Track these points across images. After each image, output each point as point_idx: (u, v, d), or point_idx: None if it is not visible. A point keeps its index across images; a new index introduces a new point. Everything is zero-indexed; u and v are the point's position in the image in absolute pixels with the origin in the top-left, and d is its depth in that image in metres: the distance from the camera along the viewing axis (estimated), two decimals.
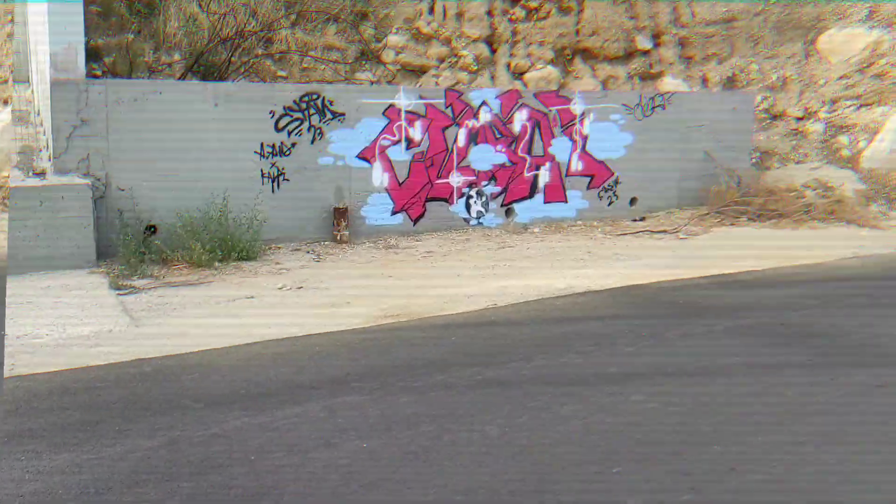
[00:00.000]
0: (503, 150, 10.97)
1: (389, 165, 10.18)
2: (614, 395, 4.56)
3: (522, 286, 7.75)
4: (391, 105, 10.05)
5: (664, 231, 11.20)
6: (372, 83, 12.75)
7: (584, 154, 11.66)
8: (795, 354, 5.33)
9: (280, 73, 12.17)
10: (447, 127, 10.50)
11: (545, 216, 11.51)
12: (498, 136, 10.90)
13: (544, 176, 11.39)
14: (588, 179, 11.80)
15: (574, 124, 11.45)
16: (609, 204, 12.09)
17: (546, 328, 6.17)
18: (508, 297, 7.31)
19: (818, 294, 7.35)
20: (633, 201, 12.32)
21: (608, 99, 11.75)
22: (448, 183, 10.66)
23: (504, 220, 11.19)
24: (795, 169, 13.31)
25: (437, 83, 12.97)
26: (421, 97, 10.27)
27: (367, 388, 4.73)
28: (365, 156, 10.02)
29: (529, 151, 11.19)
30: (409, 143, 10.26)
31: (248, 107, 9.25)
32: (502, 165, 11.02)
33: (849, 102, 13.98)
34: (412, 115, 10.21)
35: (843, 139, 13.67)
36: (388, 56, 13.00)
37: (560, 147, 11.43)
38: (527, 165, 11.22)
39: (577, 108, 11.42)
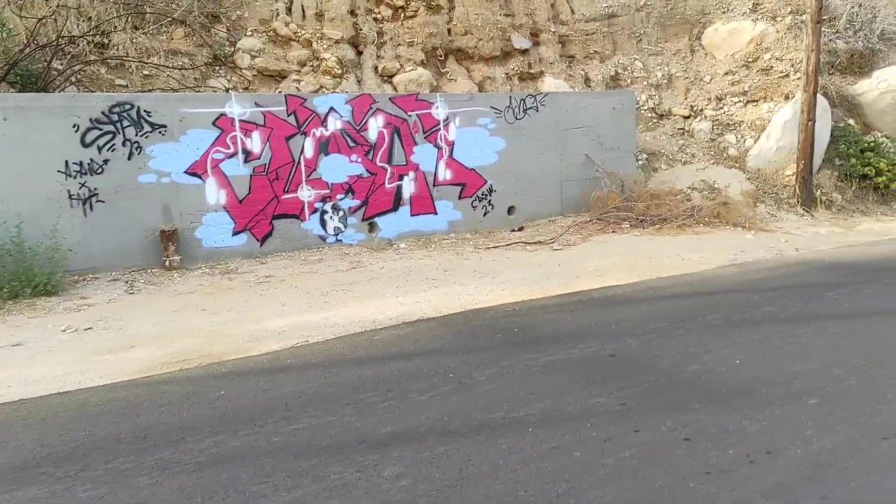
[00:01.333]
0: (359, 159, 10.05)
1: (226, 181, 9.15)
2: (365, 469, 3.65)
3: (350, 316, 6.82)
4: (222, 114, 9.02)
5: (539, 242, 10.44)
6: (227, 90, 11.68)
7: (452, 161, 10.83)
8: (610, 396, 4.52)
9: (118, 81, 10.98)
10: (291, 136, 9.52)
11: (414, 230, 10.64)
12: (352, 144, 9.97)
13: (409, 186, 10.51)
14: (459, 189, 10.98)
15: (438, 130, 10.62)
16: (485, 214, 11.31)
17: (343, 372, 5.24)
18: (327, 331, 6.37)
19: (673, 312, 6.62)
20: (510, 210, 11.57)
21: (474, 102, 10.95)
22: (297, 198, 9.68)
23: (366, 236, 10.27)
24: (682, 170, 12.77)
25: (298, 88, 11.99)
26: (257, 105, 9.27)
27: (57, 474, 3.71)
28: (195, 171, 8.96)
29: (390, 160, 10.30)
30: (248, 155, 9.25)
31: (47, 120, 8.09)
32: (359, 176, 10.10)
33: (735, 99, 13.53)
34: (248, 125, 9.20)
35: (729, 138, 13.20)
36: (242, 61, 11.93)
37: (424, 155, 10.58)
38: (388, 176, 10.33)
39: (439, 112, 10.59)
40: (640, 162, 12.89)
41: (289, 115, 9.46)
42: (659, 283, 7.91)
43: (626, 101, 12.45)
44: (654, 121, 13.60)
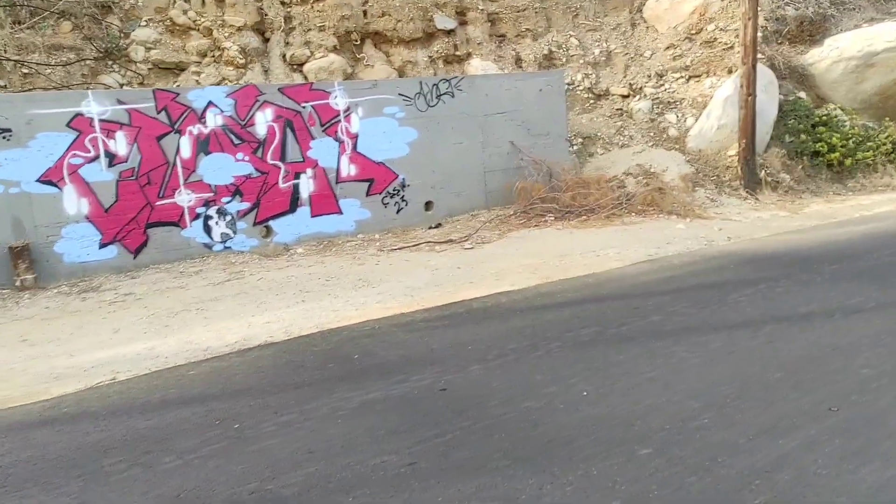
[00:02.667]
0: (246, 157, 9.16)
1: (87, 188, 8.27)
2: None
3: (180, 344, 5.96)
4: (78, 114, 8.12)
5: (450, 241, 9.56)
6: (121, 86, 10.79)
7: (357, 155, 9.94)
8: (402, 453, 3.66)
9: None
10: (163, 136, 8.63)
11: (316, 232, 9.77)
12: (237, 141, 9.08)
13: (307, 185, 9.63)
14: (367, 185, 10.09)
15: (338, 122, 9.71)
16: (398, 211, 10.42)
17: (115, 425, 4.36)
18: (142, 365, 5.51)
19: (544, 326, 5.73)
20: (428, 206, 10.68)
21: (379, 89, 10.03)
22: (175, 203, 8.80)
23: (260, 242, 9.40)
24: (619, 154, 11.86)
25: (198, 81, 11.08)
26: (120, 102, 8.37)
27: None
28: (49, 179, 8.08)
29: (283, 158, 9.41)
30: (112, 158, 8.36)
31: None
32: (248, 176, 9.22)
33: (676, 75, 12.59)
34: (111, 125, 8.31)
35: (670, 117, 12.27)
36: (137, 54, 11.01)
37: (324, 150, 9.69)
38: (282, 174, 9.44)
39: (338, 102, 9.68)
40: (575, 147, 11.98)
41: (159, 112, 8.57)
42: (555, 288, 7.04)
43: (554, 82, 11.52)
44: (591, 102, 12.66)
